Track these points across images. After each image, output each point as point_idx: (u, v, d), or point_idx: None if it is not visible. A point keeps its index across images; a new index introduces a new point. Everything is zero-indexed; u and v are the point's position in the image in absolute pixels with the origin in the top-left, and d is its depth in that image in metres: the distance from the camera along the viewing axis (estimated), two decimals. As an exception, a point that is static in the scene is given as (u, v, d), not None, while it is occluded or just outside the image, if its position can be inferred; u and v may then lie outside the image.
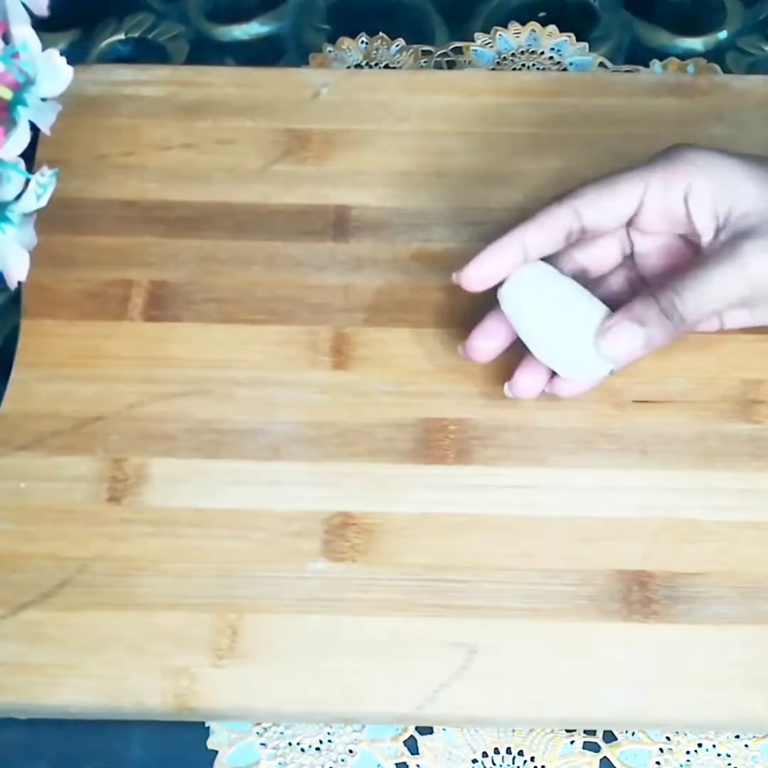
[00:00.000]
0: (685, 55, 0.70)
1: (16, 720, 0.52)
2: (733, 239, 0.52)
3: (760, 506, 0.54)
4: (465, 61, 0.69)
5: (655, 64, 0.69)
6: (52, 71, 0.53)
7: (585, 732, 0.51)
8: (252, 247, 0.60)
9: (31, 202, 0.53)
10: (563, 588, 0.52)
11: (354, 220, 0.61)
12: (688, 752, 0.51)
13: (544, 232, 0.53)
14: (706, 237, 0.53)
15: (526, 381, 0.54)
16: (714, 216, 0.52)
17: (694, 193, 0.52)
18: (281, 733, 0.52)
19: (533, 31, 0.70)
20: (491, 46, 0.70)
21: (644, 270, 0.56)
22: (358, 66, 0.69)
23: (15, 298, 0.59)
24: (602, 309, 0.53)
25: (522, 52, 0.70)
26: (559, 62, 0.69)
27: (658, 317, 0.51)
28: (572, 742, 0.51)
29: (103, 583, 0.52)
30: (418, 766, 0.51)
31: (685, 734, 0.51)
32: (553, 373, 0.54)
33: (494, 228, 0.60)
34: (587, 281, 0.55)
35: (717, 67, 0.69)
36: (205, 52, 0.70)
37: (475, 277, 0.54)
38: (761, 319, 0.55)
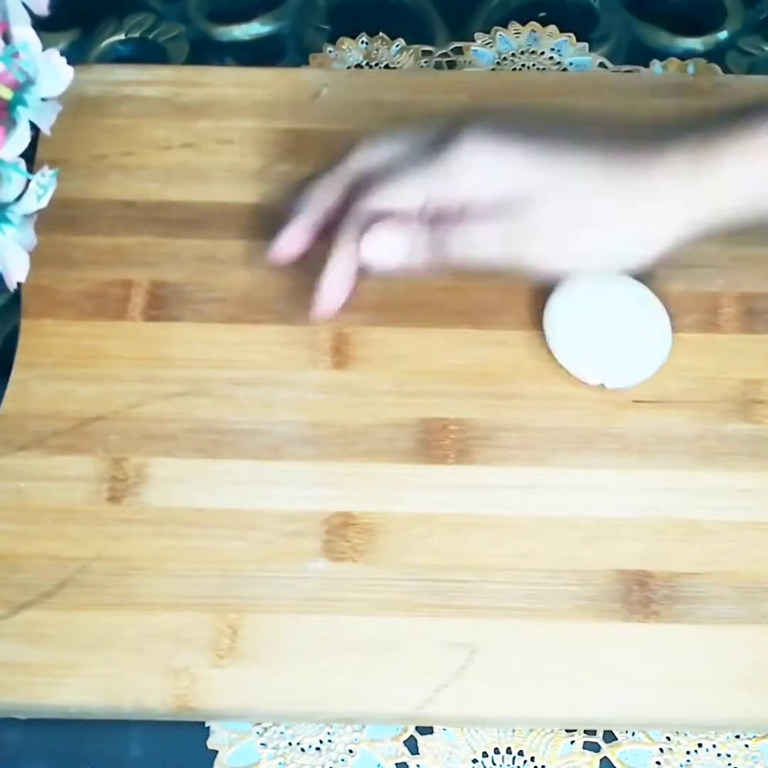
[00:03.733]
0: (685, 55, 0.70)
1: (16, 720, 0.52)
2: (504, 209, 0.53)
3: (760, 506, 0.54)
4: (465, 61, 0.69)
5: (655, 64, 0.69)
6: (52, 71, 0.53)
7: (585, 732, 0.51)
8: (252, 247, 0.60)
9: (32, 203, 0.53)
10: (563, 588, 0.52)
11: (354, 220, 0.61)
12: (688, 752, 0.51)
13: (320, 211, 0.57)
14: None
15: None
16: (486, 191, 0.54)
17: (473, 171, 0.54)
18: (281, 733, 0.52)
19: (533, 31, 0.70)
20: (491, 46, 0.70)
21: None
22: (358, 66, 0.69)
23: (15, 298, 0.59)
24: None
25: (522, 52, 0.70)
26: (559, 62, 0.69)
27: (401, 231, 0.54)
28: (572, 742, 0.51)
29: (103, 583, 0.52)
30: (418, 766, 0.51)
31: (685, 734, 0.51)
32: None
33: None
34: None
35: (717, 67, 0.69)
36: (205, 52, 0.70)
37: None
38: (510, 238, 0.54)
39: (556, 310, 0.57)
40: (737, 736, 0.51)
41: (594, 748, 0.51)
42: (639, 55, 0.70)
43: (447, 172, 0.54)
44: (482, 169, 0.54)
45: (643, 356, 0.57)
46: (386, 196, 0.55)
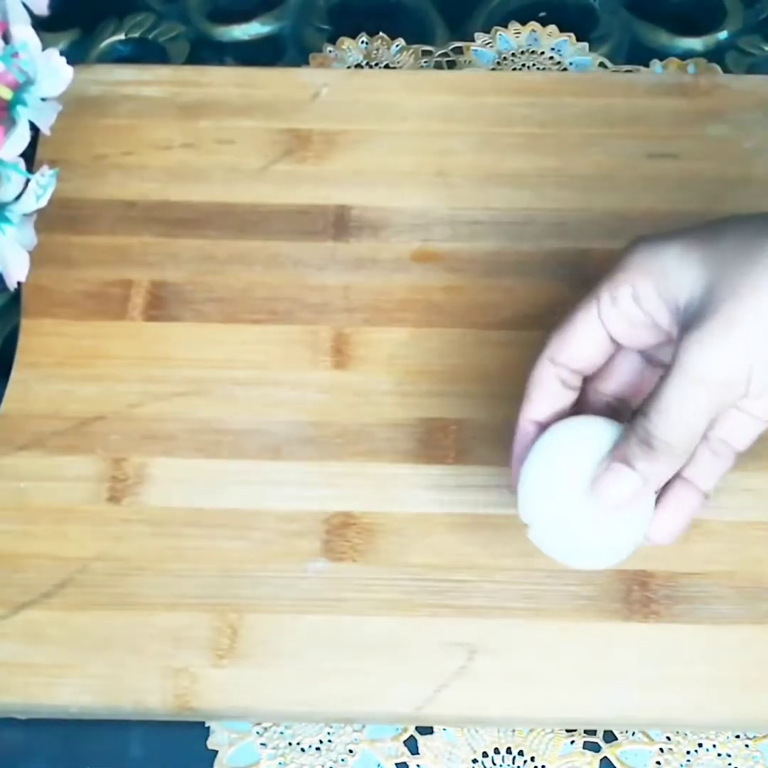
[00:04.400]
0: (685, 55, 0.69)
1: (16, 720, 0.52)
2: (678, 340, 0.46)
3: (760, 506, 0.54)
4: (465, 61, 0.69)
5: (655, 64, 0.69)
6: (52, 71, 0.53)
7: (585, 732, 0.51)
8: (252, 247, 0.60)
9: (31, 202, 0.53)
10: (563, 588, 0.52)
11: (354, 220, 0.61)
12: (688, 752, 0.51)
13: (543, 403, 0.50)
14: (674, 333, 0.48)
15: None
16: (672, 314, 0.47)
17: (641, 296, 0.47)
18: (281, 733, 0.52)
19: (533, 31, 0.70)
20: (491, 46, 0.70)
21: None
22: (358, 66, 0.69)
23: (15, 298, 0.59)
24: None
25: (522, 52, 0.70)
26: (559, 62, 0.69)
27: (641, 450, 0.46)
28: (572, 742, 0.51)
29: (103, 583, 0.52)
30: (418, 766, 0.51)
31: (685, 734, 0.51)
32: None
33: (495, 228, 0.60)
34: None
35: (717, 67, 0.69)
36: (205, 52, 0.70)
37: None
38: None
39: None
40: (737, 736, 0.51)
41: (594, 748, 0.51)
42: (639, 55, 0.70)
43: (610, 273, 0.48)
44: (642, 260, 0.48)
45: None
46: (567, 352, 0.49)
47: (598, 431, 0.49)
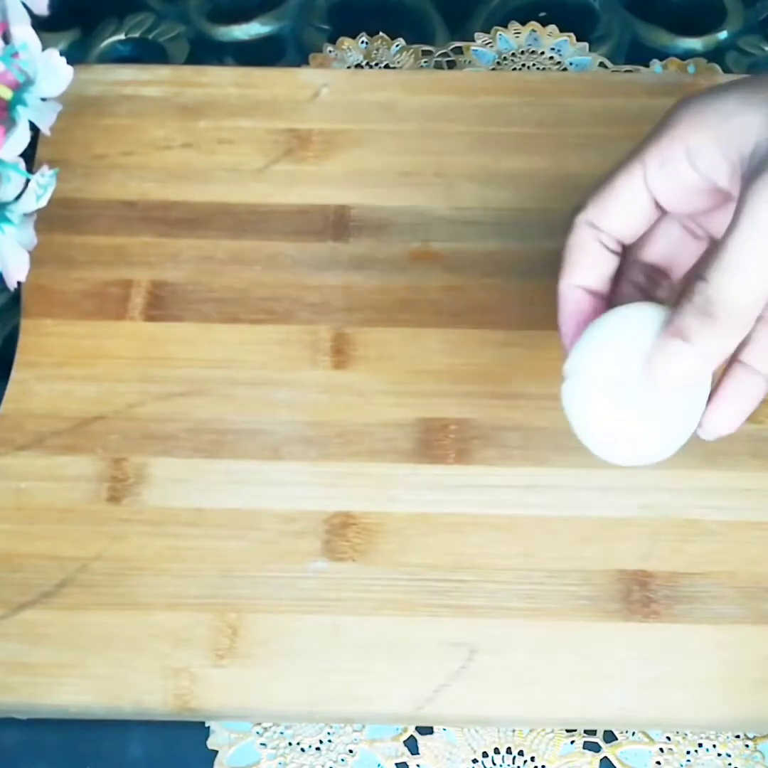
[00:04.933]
0: (685, 55, 0.69)
1: (16, 720, 0.52)
2: (743, 190, 0.42)
3: (760, 506, 0.54)
4: (465, 61, 0.69)
5: (655, 64, 0.69)
6: (52, 71, 0.53)
7: (585, 732, 0.51)
8: (252, 247, 0.60)
9: (31, 202, 0.53)
10: (563, 588, 0.52)
11: (354, 220, 0.61)
12: (688, 752, 0.51)
13: (584, 267, 0.47)
14: (733, 188, 0.44)
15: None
16: (732, 167, 0.43)
17: (696, 153, 0.44)
18: (281, 733, 0.52)
19: (533, 31, 0.70)
20: (491, 46, 0.70)
21: None
22: (358, 66, 0.69)
23: (15, 298, 0.59)
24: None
25: (522, 52, 0.70)
26: (559, 62, 0.69)
27: (699, 321, 0.42)
28: (572, 742, 0.51)
29: (103, 583, 0.52)
30: (418, 766, 0.51)
31: (685, 734, 0.51)
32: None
33: (495, 228, 0.60)
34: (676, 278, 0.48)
35: (717, 67, 0.69)
36: (205, 52, 0.70)
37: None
38: None
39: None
40: (737, 736, 0.51)
41: (594, 748, 0.51)
42: (639, 55, 0.70)
43: (658, 132, 0.45)
44: (694, 115, 0.44)
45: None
46: (607, 215, 0.47)
47: (657, 316, 0.45)
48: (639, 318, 0.45)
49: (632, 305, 0.46)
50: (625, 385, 0.44)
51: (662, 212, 0.46)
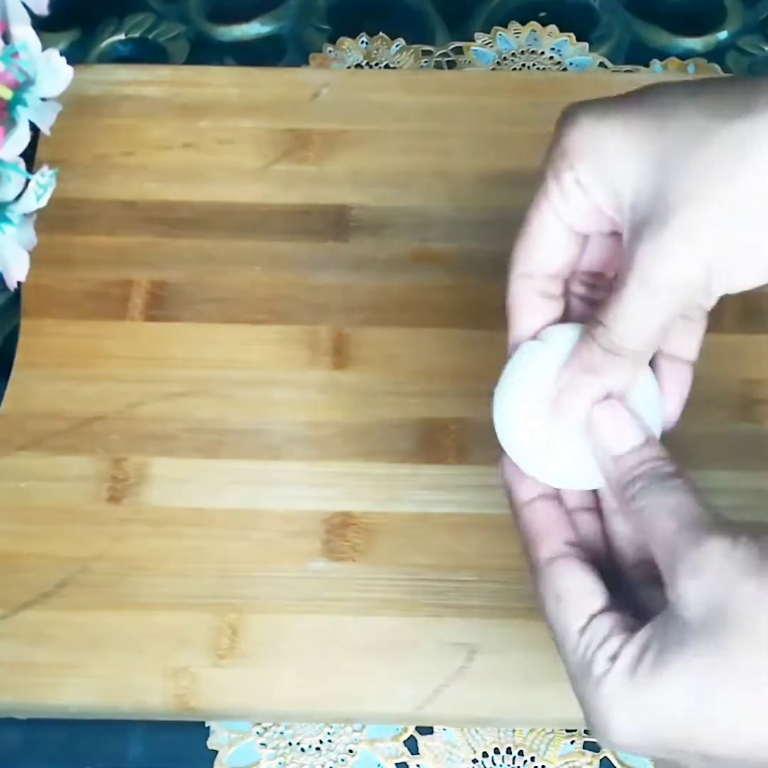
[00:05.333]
0: (685, 55, 0.69)
1: (16, 720, 0.52)
2: (629, 240, 0.42)
3: (761, 506, 0.54)
4: (465, 61, 0.69)
5: (655, 64, 0.69)
6: (52, 71, 0.53)
7: (585, 732, 0.51)
8: (252, 247, 0.60)
9: (31, 202, 0.53)
10: (563, 588, 0.52)
11: (354, 220, 0.61)
12: (688, 752, 0.51)
13: (526, 323, 0.46)
14: (623, 227, 0.43)
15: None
16: (616, 207, 0.42)
17: (585, 185, 0.42)
18: (281, 733, 0.52)
19: (533, 31, 0.70)
20: (491, 46, 0.70)
21: None
22: (358, 66, 0.69)
23: (15, 298, 0.59)
24: None
25: (522, 52, 0.70)
26: (559, 62, 0.69)
27: (605, 358, 0.43)
28: (572, 742, 0.51)
29: (103, 583, 0.52)
30: (418, 766, 0.51)
31: (685, 734, 0.51)
32: None
33: (495, 228, 0.60)
34: None
35: (717, 67, 0.69)
36: (205, 52, 0.70)
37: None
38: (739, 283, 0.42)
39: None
40: (737, 736, 0.51)
41: (594, 748, 0.51)
42: (639, 55, 0.70)
43: (551, 158, 0.44)
44: (580, 142, 0.42)
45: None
46: (534, 261, 0.45)
47: (569, 340, 0.45)
48: (550, 348, 0.45)
49: (547, 332, 0.46)
50: (545, 415, 0.45)
51: (585, 235, 0.46)
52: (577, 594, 0.42)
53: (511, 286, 0.46)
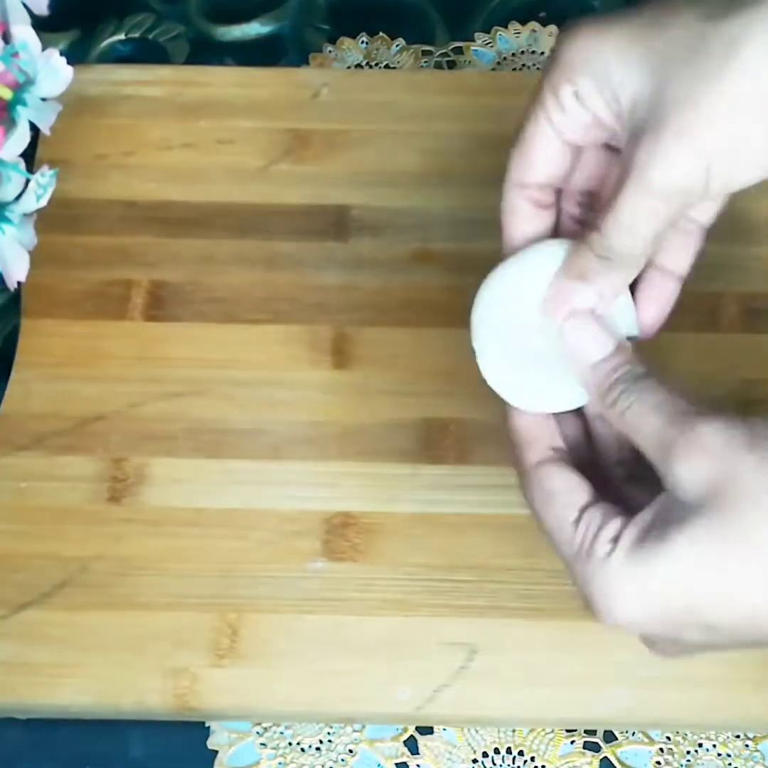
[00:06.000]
0: (685, 55, 0.69)
1: (16, 720, 0.52)
2: (628, 145, 0.43)
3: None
4: (465, 61, 0.69)
5: (655, 64, 0.69)
6: (52, 71, 0.53)
7: (585, 732, 0.51)
8: (252, 247, 0.60)
9: (31, 202, 0.53)
10: (563, 588, 0.52)
11: (354, 220, 0.61)
12: (688, 752, 0.51)
13: (519, 232, 0.47)
14: (622, 137, 0.44)
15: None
16: (615, 115, 0.43)
17: (583, 95, 0.44)
18: (281, 733, 0.52)
19: (533, 31, 0.70)
20: (491, 46, 0.70)
21: None
22: (358, 66, 0.69)
23: (15, 298, 0.59)
24: None
25: (522, 52, 0.70)
26: (559, 62, 0.69)
27: (597, 263, 0.44)
28: (572, 742, 0.51)
29: (103, 583, 0.52)
30: (418, 766, 0.51)
31: (685, 734, 0.51)
32: None
33: (495, 228, 0.60)
34: None
35: (717, 67, 0.69)
36: (205, 52, 0.70)
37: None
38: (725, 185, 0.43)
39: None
40: (737, 736, 0.51)
41: (594, 748, 0.51)
42: (639, 55, 0.69)
43: (548, 72, 0.44)
44: (578, 54, 0.43)
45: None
46: (532, 169, 0.46)
47: (559, 253, 0.46)
48: (537, 260, 0.46)
49: (533, 247, 0.47)
50: (523, 333, 0.46)
51: (579, 146, 0.46)
52: (566, 491, 0.44)
53: (506, 194, 0.47)
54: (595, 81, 0.43)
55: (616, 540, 0.41)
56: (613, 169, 0.46)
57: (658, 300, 0.47)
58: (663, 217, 0.43)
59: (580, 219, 0.48)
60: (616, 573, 0.41)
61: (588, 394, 0.45)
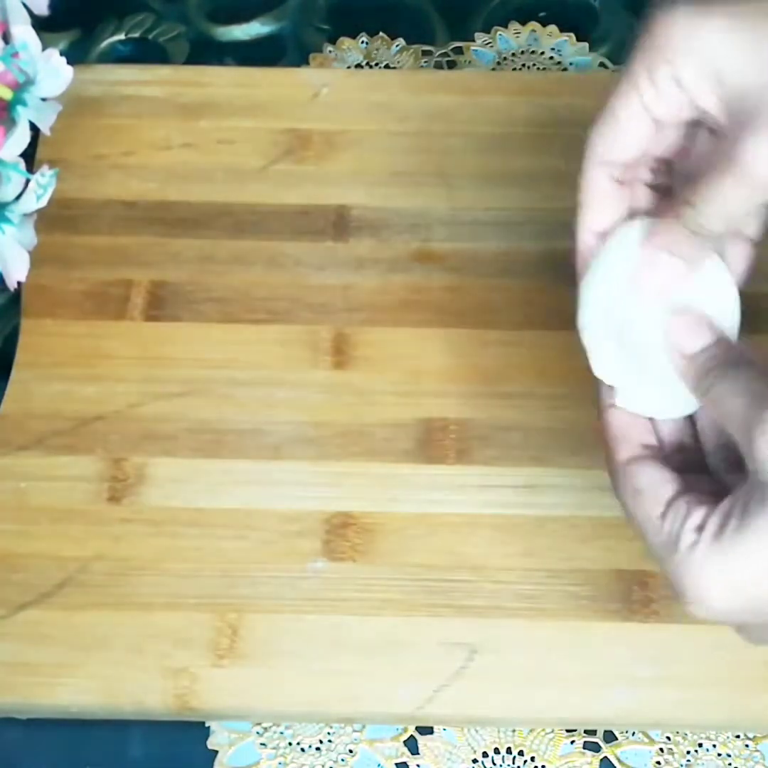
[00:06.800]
0: (685, 55, 0.69)
1: (16, 720, 0.52)
2: (733, 131, 0.42)
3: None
4: (465, 61, 0.69)
5: (655, 64, 0.69)
6: (52, 71, 0.53)
7: (585, 732, 0.51)
8: (252, 247, 0.60)
9: (31, 202, 0.53)
10: (563, 588, 0.52)
11: (354, 220, 0.61)
12: (688, 752, 0.51)
13: (601, 208, 0.47)
14: (723, 120, 0.44)
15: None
16: (720, 100, 0.43)
17: (684, 79, 0.43)
18: (281, 733, 0.52)
19: (533, 31, 0.70)
20: (491, 46, 0.70)
21: None
22: (358, 66, 0.69)
23: (15, 298, 0.59)
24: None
25: (522, 52, 0.70)
26: (559, 62, 0.69)
27: (687, 239, 0.45)
28: (572, 742, 0.51)
29: (103, 583, 0.52)
30: (418, 766, 0.51)
31: (685, 734, 0.51)
32: None
33: (495, 228, 0.60)
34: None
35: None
36: (205, 52, 0.70)
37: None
38: None
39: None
40: (737, 736, 0.51)
41: (594, 748, 0.51)
42: (639, 55, 0.69)
43: (645, 52, 0.44)
44: (680, 39, 0.43)
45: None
46: (617, 149, 0.46)
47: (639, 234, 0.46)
48: (628, 247, 0.46)
49: (619, 233, 0.46)
50: (631, 326, 0.46)
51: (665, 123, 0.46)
52: (652, 486, 0.44)
53: (589, 171, 0.46)
54: (697, 64, 0.43)
55: (701, 529, 0.41)
56: (691, 142, 0.46)
57: (742, 267, 0.48)
58: (757, 203, 0.44)
59: (652, 184, 0.48)
60: (700, 563, 0.41)
61: (687, 386, 0.45)
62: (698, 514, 0.42)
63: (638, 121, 0.45)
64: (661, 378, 0.46)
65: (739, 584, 0.40)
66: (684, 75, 0.43)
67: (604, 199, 0.47)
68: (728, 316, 0.47)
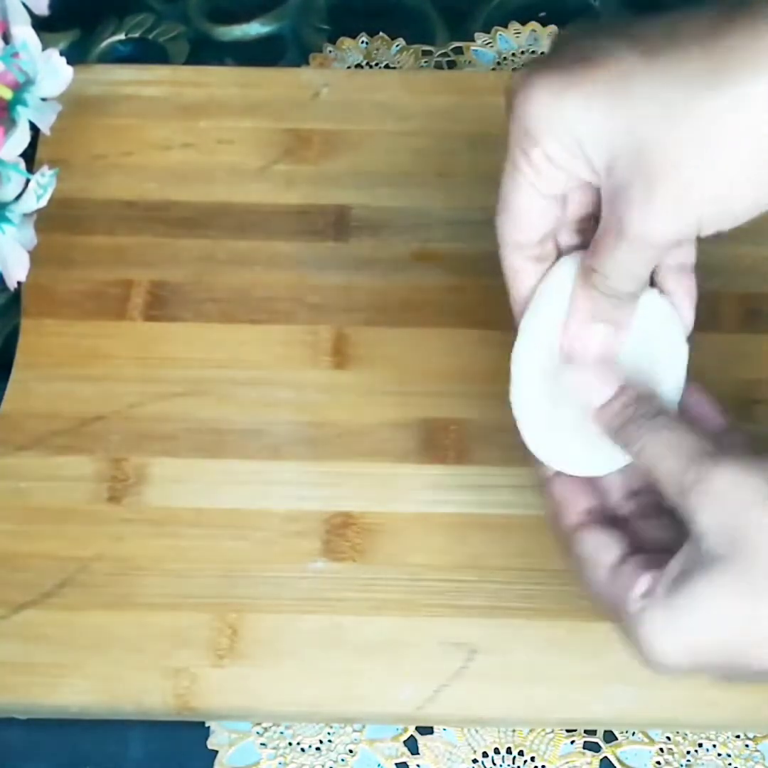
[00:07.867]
0: (685, 55, 0.69)
1: (16, 720, 0.52)
2: (612, 198, 0.43)
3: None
4: (465, 61, 0.69)
5: (655, 64, 0.69)
6: (52, 71, 0.53)
7: (585, 732, 0.51)
8: (252, 247, 0.60)
9: (31, 202, 0.53)
10: (563, 588, 0.52)
11: (354, 220, 0.61)
12: (688, 752, 0.51)
13: (529, 283, 0.47)
14: (605, 187, 0.43)
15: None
16: (593, 171, 0.43)
17: (555, 158, 0.43)
18: (281, 733, 0.52)
19: (533, 31, 0.70)
20: (491, 46, 0.70)
21: None
22: (359, 66, 0.69)
23: (15, 298, 0.59)
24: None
25: (522, 52, 0.70)
26: (559, 62, 0.69)
27: (608, 301, 0.45)
28: (572, 742, 0.51)
29: (103, 583, 0.52)
30: (418, 766, 0.51)
31: (685, 734, 0.51)
32: None
33: (494, 228, 0.60)
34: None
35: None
36: (205, 52, 0.70)
37: None
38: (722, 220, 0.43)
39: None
40: (737, 736, 0.51)
41: (594, 748, 0.51)
42: (639, 55, 0.69)
43: (515, 136, 0.44)
44: (544, 117, 0.43)
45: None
46: (519, 232, 0.46)
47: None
48: (556, 307, 0.47)
49: (545, 290, 0.47)
50: (560, 387, 0.46)
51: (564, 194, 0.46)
52: (596, 552, 0.44)
53: (506, 259, 0.47)
54: (563, 141, 0.42)
55: (647, 595, 0.42)
56: (599, 196, 0.45)
57: (686, 296, 0.47)
58: (658, 259, 0.44)
59: (583, 245, 0.47)
60: (650, 630, 0.41)
61: (609, 438, 0.45)
62: (643, 581, 0.42)
63: (531, 201, 0.45)
64: (595, 434, 0.45)
65: (690, 649, 0.41)
66: (553, 153, 0.43)
67: (527, 279, 0.47)
68: (676, 354, 0.47)
